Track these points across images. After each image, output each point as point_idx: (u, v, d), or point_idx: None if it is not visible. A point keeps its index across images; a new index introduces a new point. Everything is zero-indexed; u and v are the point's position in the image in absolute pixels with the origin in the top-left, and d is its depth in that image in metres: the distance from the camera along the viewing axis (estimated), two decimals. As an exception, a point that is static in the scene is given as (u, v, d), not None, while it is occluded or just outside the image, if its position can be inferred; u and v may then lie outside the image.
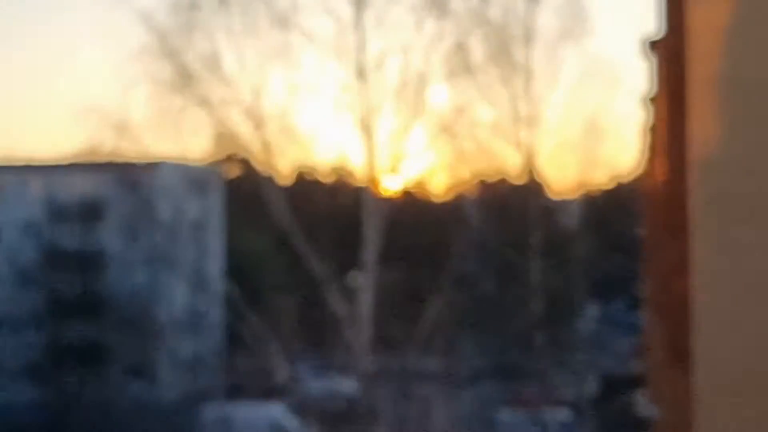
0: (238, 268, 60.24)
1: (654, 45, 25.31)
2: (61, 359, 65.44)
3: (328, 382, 28.24)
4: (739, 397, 4.40)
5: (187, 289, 23.97)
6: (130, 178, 27.49)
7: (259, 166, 23.77)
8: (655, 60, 26.31)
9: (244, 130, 23.57)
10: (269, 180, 23.39)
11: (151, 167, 24.87)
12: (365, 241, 22.91)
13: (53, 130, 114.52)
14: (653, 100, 29.25)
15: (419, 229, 33.02)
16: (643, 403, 32.43)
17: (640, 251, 52.46)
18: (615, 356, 68.79)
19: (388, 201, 23.92)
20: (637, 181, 59.09)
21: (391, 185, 24.40)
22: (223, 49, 23.58)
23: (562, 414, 49.12)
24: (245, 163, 26.20)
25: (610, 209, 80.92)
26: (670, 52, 18.79)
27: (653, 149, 27.72)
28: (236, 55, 23.48)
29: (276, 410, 54.45)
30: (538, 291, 35.74)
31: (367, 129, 23.30)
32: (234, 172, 45.89)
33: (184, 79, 23.38)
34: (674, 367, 18.79)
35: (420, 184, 31.75)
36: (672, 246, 19.46)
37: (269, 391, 61.11)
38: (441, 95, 25.73)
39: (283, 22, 23.29)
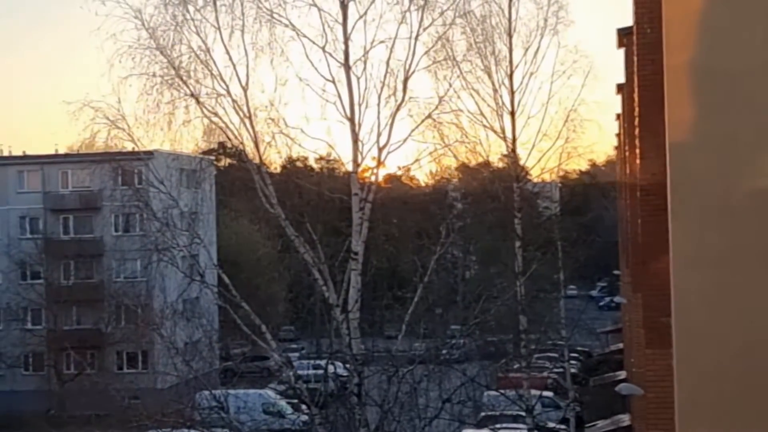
0: (230, 257, 60.84)
1: (628, 34, 25.93)
2: (59, 347, 65.95)
3: (319, 367, 28.84)
4: (719, 376, 4.73)
5: (180, 278, 24.50)
6: (125, 169, 27.90)
7: (249, 157, 24.31)
8: (631, 48, 26.93)
9: (234, 121, 24.13)
10: (259, 170, 23.91)
11: (145, 159, 25.41)
12: (353, 228, 23.43)
13: (50, 123, 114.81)
14: (630, 87, 29.89)
15: (405, 216, 33.44)
16: (623, 383, 33.13)
17: (620, 233, 53.18)
18: (596, 337, 69.52)
19: (375, 188, 24.46)
20: (616, 165, 59.79)
21: (377, 173, 24.99)
22: (213, 44, 24.13)
23: (546, 394, 49.81)
24: (236, 154, 26.72)
25: (589, 193, 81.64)
26: (646, 40, 19.46)
27: (631, 135, 28.36)
28: (225, 49, 24.02)
29: (269, 395, 55.04)
30: (520, 274, 36.34)
31: (353, 119, 23.83)
32: (225, 162, 46.33)
33: (175, 73, 23.93)
34: (654, 347, 19.48)
35: (405, 172, 32.28)
36: (649, 229, 20.14)
37: (262, 377, 61.67)
38: (425, 85, 26.36)
39: (270, 16, 23.84)
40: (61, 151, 78.47)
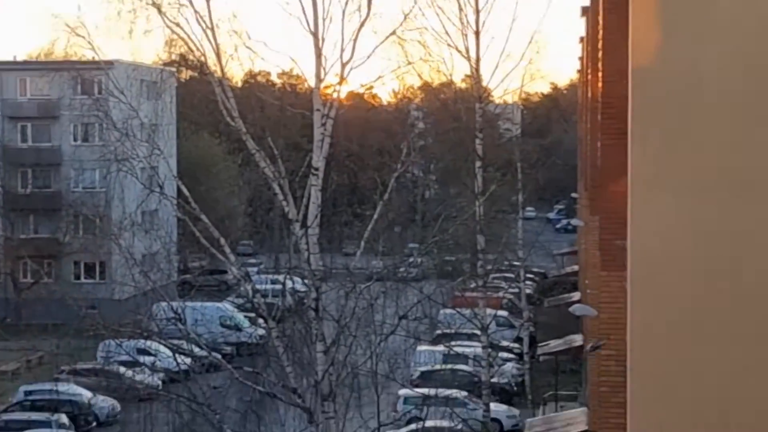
0: (190, 169, 60.55)
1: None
2: (16, 256, 65.72)
3: (277, 281, 28.95)
4: (673, 299, 4.80)
5: (140, 189, 24.37)
6: (84, 78, 27.59)
7: (210, 70, 24.09)
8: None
9: (196, 32, 23.84)
10: (221, 83, 23.70)
11: (105, 68, 25.05)
12: (314, 144, 23.34)
13: (8, 31, 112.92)
14: (594, 10, 29.82)
15: (366, 133, 33.41)
16: (578, 304, 33.57)
17: (579, 157, 53.46)
18: (552, 258, 70.21)
19: (337, 105, 24.34)
20: (578, 89, 59.86)
21: (339, 90, 24.86)
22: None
23: (501, 313, 50.39)
24: (197, 66, 26.44)
25: (550, 116, 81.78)
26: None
27: (594, 58, 28.37)
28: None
29: (226, 308, 55.30)
30: (479, 194, 36.51)
31: (316, 34, 23.62)
32: (186, 75, 45.87)
33: (137, -19, 23.56)
34: (609, 269, 19.73)
35: (368, 90, 32.13)
36: (609, 152, 20.27)
37: (220, 290, 61.85)
38: (390, 1, 26.16)
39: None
40: (20, 59, 77.44)
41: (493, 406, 39.13)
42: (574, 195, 63.45)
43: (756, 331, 4.78)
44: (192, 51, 24.33)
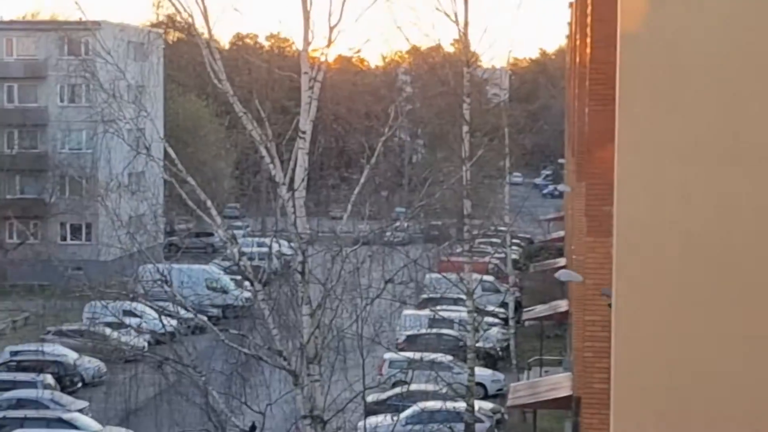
0: (177, 131, 60.38)
1: None
2: (2, 216, 65.57)
3: (264, 244, 28.99)
4: (658, 264, 4.85)
5: (126, 150, 24.29)
6: (71, 39, 27.38)
7: (198, 31, 23.93)
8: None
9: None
10: (208, 45, 23.55)
11: (92, 29, 24.88)
12: (302, 107, 23.25)
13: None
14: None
15: (354, 97, 33.33)
16: (563, 269, 33.67)
17: (566, 123, 53.45)
18: (538, 224, 70.36)
19: (325, 68, 24.23)
20: (566, 54, 59.76)
21: (327, 53, 24.74)
22: None
23: (487, 278, 50.55)
24: (185, 28, 26.27)
25: (538, 82, 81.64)
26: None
27: (583, 24, 28.32)
28: None
29: (213, 270, 55.34)
30: (466, 159, 36.48)
31: (304, -3, 23.45)
32: (174, 36, 45.68)
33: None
34: (595, 235, 19.80)
35: (356, 53, 32.06)
36: (596, 118, 20.27)
37: (206, 252, 61.80)
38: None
39: None
40: (6, 18, 76.88)
41: (478, 370, 39.30)
42: (561, 161, 63.53)
43: (740, 295, 4.83)
44: (179, 12, 24.15)
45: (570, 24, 49.91)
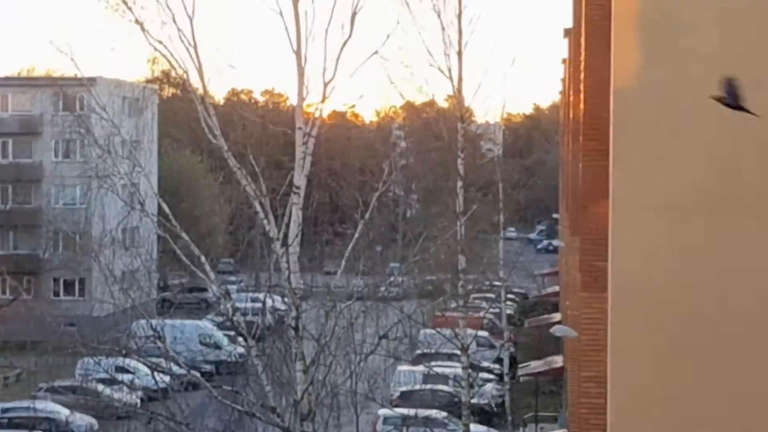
0: (171, 186, 60.41)
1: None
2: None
3: (257, 300, 28.88)
4: (653, 321, 4.81)
5: (120, 206, 24.29)
6: (66, 94, 27.54)
7: (193, 87, 24.04)
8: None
9: (178, 50, 23.80)
10: (203, 100, 23.65)
11: (88, 85, 25.00)
12: (296, 162, 23.30)
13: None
14: (577, 31, 29.92)
15: (348, 152, 33.43)
16: (558, 324, 33.58)
17: (561, 177, 53.58)
18: (533, 279, 70.28)
19: (319, 123, 24.31)
20: (558, 109, 60.09)
21: (321, 108, 24.84)
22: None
23: (482, 333, 50.38)
24: (179, 84, 26.41)
25: (532, 137, 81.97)
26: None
27: (576, 79, 28.46)
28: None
29: (206, 326, 55.16)
30: (461, 214, 36.52)
31: (299, 52, 23.61)
32: (168, 92, 45.89)
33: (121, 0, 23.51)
34: (590, 290, 19.71)
35: (350, 108, 32.18)
36: (590, 172, 20.28)
37: (200, 308, 61.64)
38: (373, 21, 26.15)
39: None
40: (1, 75, 77.22)
41: (473, 427, 39.01)
42: (555, 216, 63.61)
43: (735, 351, 4.77)
44: (174, 68, 24.28)
45: (563, 80, 50.20)
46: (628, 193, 5.24)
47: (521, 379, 50.01)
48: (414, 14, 34.39)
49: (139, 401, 29.24)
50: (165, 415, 22.78)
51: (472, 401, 40.25)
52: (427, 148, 40.74)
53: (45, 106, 58.37)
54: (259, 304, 25.76)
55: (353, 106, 29.43)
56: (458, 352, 38.78)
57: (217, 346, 49.35)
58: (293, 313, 22.50)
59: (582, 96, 21.72)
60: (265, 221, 23.18)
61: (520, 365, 51.21)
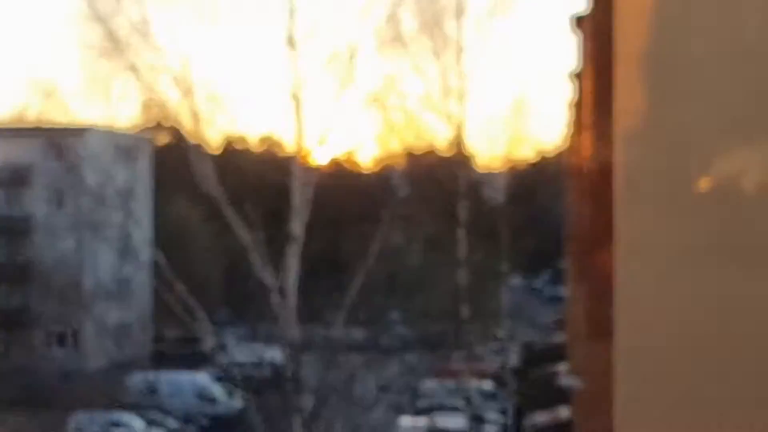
0: (165, 236, 59.93)
1: (581, 21, 25.67)
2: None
3: (254, 351, 28.43)
4: (660, 370, 4.49)
5: (114, 257, 23.94)
6: (58, 143, 27.36)
7: (187, 134, 23.66)
8: (582, 36, 26.66)
9: (172, 97, 23.45)
10: (198, 148, 23.27)
11: (79, 133, 24.67)
12: (293, 211, 22.95)
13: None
14: (580, 75, 29.62)
15: (347, 200, 33.16)
16: (564, 374, 32.99)
17: (565, 225, 53.17)
18: (538, 328, 69.75)
19: (317, 171, 23.95)
20: (563, 155, 59.82)
21: (319, 155, 24.45)
22: (152, 16, 23.39)
23: (486, 384, 49.80)
24: (174, 131, 26.04)
25: (536, 183, 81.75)
26: (597, 28, 19.11)
27: (579, 124, 28.10)
28: (165, 21, 23.29)
29: (202, 378, 54.56)
30: (463, 263, 36.12)
31: (296, 98, 23.29)
32: (162, 139, 45.59)
33: (113, 45, 23.17)
34: (596, 339, 19.18)
35: (349, 155, 31.85)
36: (596, 219, 19.81)
37: (196, 360, 61.03)
38: (371, 66, 25.82)
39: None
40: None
41: (477, 480, 38.36)
42: (560, 264, 63.18)
43: (746, 403, 4.59)
44: (168, 116, 23.93)
45: (569, 124, 49.96)
46: (633, 240, 4.94)
47: (527, 430, 49.32)
48: (414, 58, 34.13)
49: (133, 457, 28.59)
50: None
51: (477, 454, 39.62)
52: (428, 195, 40.40)
53: (36, 155, 58.17)
54: (256, 357, 25.32)
55: (352, 154, 29.14)
56: (461, 403, 38.23)
57: (214, 400, 48.77)
58: (292, 366, 22.06)
59: (587, 142, 21.36)
60: (262, 271, 22.83)
61: (525, 416, 50.54)
